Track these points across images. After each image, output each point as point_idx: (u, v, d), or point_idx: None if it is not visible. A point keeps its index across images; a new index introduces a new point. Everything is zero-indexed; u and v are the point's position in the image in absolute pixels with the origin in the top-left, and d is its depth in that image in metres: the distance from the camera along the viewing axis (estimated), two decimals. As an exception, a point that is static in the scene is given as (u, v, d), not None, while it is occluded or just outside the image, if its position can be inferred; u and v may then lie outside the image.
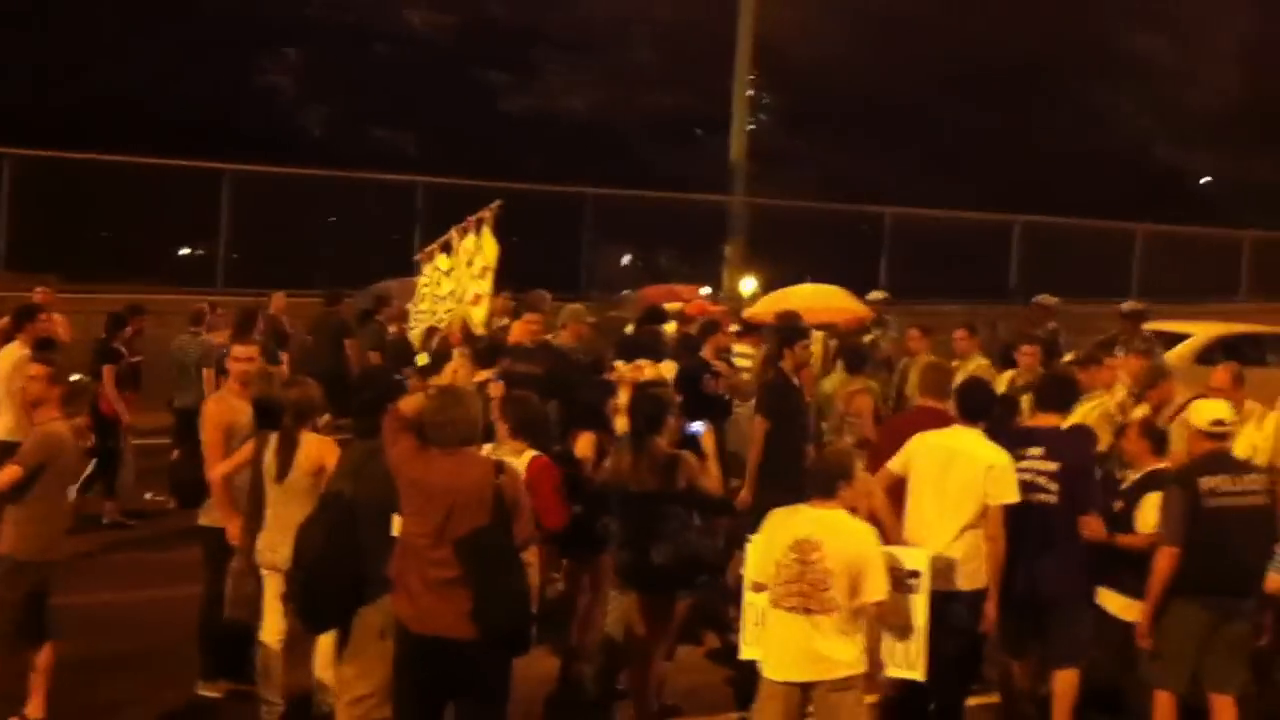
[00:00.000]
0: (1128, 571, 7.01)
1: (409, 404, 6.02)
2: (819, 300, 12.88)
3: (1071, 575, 7.14)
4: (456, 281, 7.75)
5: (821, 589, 5.90)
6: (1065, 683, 7.13)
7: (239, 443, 7.30)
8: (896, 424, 8.12)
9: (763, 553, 6.12)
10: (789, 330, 10.20)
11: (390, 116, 23.59)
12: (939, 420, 7.49)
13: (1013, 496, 6.81)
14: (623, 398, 8.19)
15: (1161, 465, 7.16)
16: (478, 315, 7.46)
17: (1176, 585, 6.76)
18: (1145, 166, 33.38)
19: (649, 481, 6.97)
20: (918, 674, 6.56)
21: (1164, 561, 6.73)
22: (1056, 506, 7.05)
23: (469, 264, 7.63)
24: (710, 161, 24.25)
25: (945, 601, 6.78)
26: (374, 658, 5.98)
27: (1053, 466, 7.08)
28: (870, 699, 6.49)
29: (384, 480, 5.89)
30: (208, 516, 7.47)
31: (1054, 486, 7.05)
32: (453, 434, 5.65)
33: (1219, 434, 6.94)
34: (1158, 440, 7.29)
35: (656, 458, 7.01)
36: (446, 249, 8.31)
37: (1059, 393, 7.59)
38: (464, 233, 7.80)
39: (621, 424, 7.75)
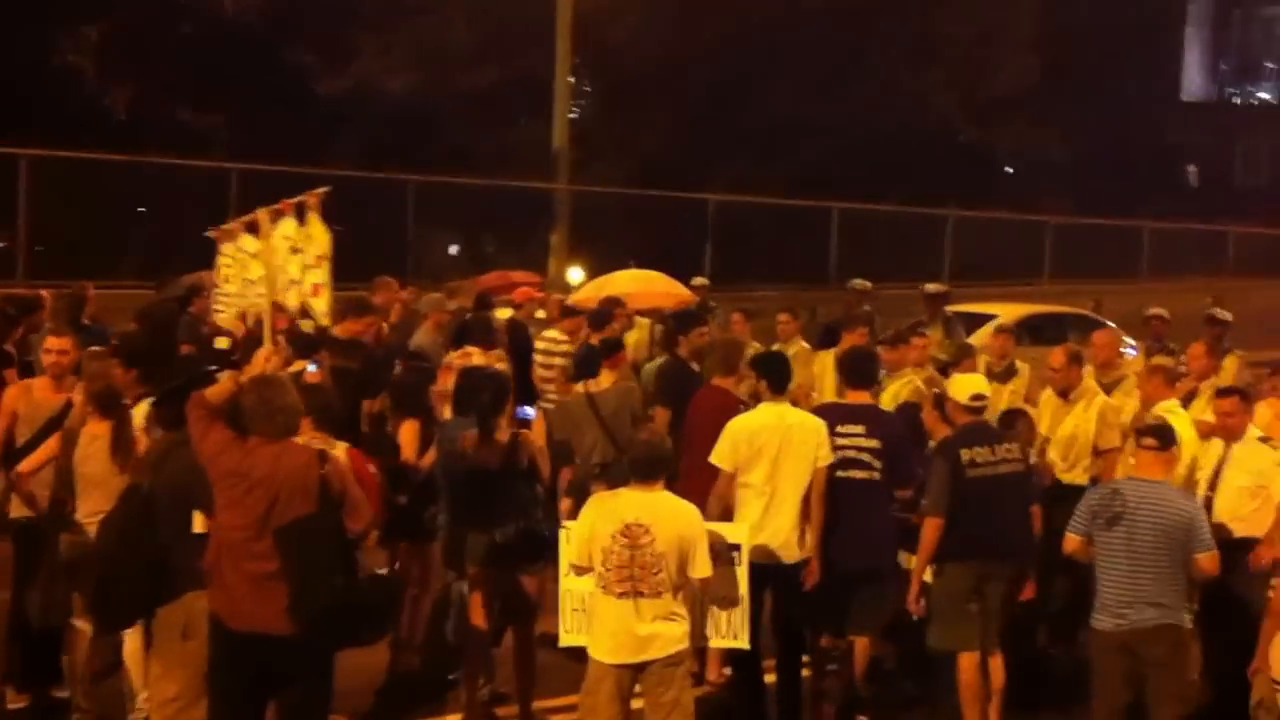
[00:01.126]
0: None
1: (215, 393, 5.93)
2: (642, 285, 13.09)
3: (886, 549, 7.59)
4: (268, 266, 7.60)
5: (653, 572, 6.03)
6: (861, 649, 7.58)
7: (30, 432, 7.20)
8: (695, 401, 8.28)
9: (586, 538, 6.16)
10: (686, 316, 10.56)
11: (200, 99, 22.91)
12: (724, 398, 7.79)
13: (831, 457, 7.16)
14: (447, 383, 8.26)
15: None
16: (320, 306, 7.32)
17: (947, 551, 7.17)
18: (953, 151, 34.57)
19: (492, 461, 7.06)
20: (743, 643, 6.83)
21: (929, 532, 7.14)
22: (878, 482, 7.41)
23: (294, 251, 7.48)
24: (533, 146, 24.25)
25: (793, 571, 7.12)
26: (176, 658, 5.89)
27: (874, 444, 7.41)
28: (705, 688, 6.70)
29: (186, 473, 5.81)
30: (17, 510, 7.26)
31: (877, 463, 7.40)
32: (278, 424, 5.60)
33: (978, 407, 7.38)
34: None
35: (499, 439, 7.11)
36: (252, 229, 8.11)
37: (865, 368, 7.98)
38: (276, 215, 7.63)
39: (447, 410, 7.83)
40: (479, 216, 25.40)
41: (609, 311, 10.88)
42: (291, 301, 7.45)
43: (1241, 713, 6.72)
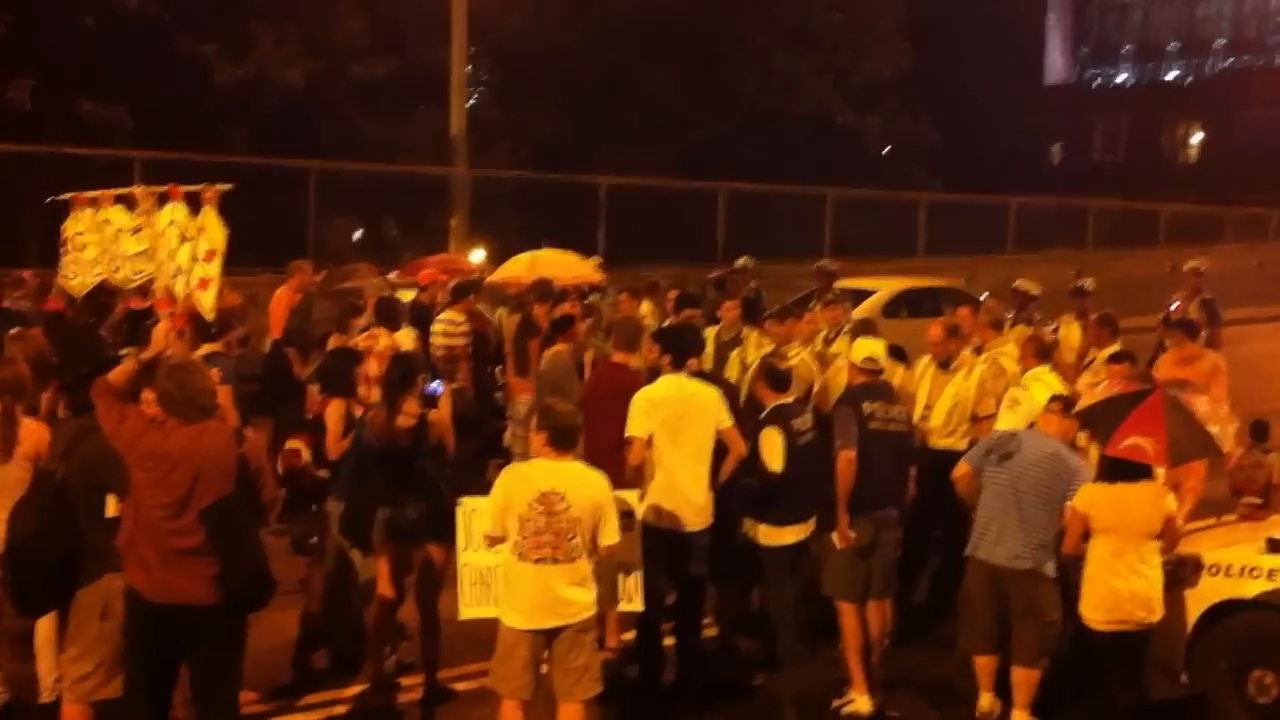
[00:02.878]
0: (775, 504, 7.63)
1: (118, 374, 5.94)
2: (560, 266, 13.23)
3: None
4: (150, 245, 7.50)
5: (568, 537, 6.08)
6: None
7: None
8: (595, 378, 8.52)
9: (501, 508, 6.17)
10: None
11: (101, 90, 22.41)
12: (622, 373, 7.93)
13: (731, 419, 7.35)
14: (373, 367, 8.32)
15: (783, 400, 7.78)
16: (207, 300, 7.22)
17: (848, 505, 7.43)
18: (829, 134, 35.04)
19: (401, 440, 7.11)
20: (638, 605, 6.99)
21: (845, 467, 7.39)
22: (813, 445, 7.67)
23: (183, 239, 7.36)
24: (429, 133, 24.12)
25: (700, 538, 7.28)
26: (94, 638, 5.89)
27: None
28: (605, 653, 6.81)
29: (97, 458, 5.80)
30: None
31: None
32: (195, 407, 5.59)
33: (872, 369, 7.74)
34: (776, 380, 7.85)
35: (407, 416, 7.13)
36: (126, 203, 7.99)
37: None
38: (163, 199, 7.54)
39: (374, 393, 7.90)
40: (380, 202, 25.21)
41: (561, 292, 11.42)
42: (178, 289, 7.34)
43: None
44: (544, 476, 6.16)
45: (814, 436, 7.70)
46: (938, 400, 8.93)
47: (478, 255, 19.43)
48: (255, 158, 17.32)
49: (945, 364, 9.02)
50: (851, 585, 7.51)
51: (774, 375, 7.84)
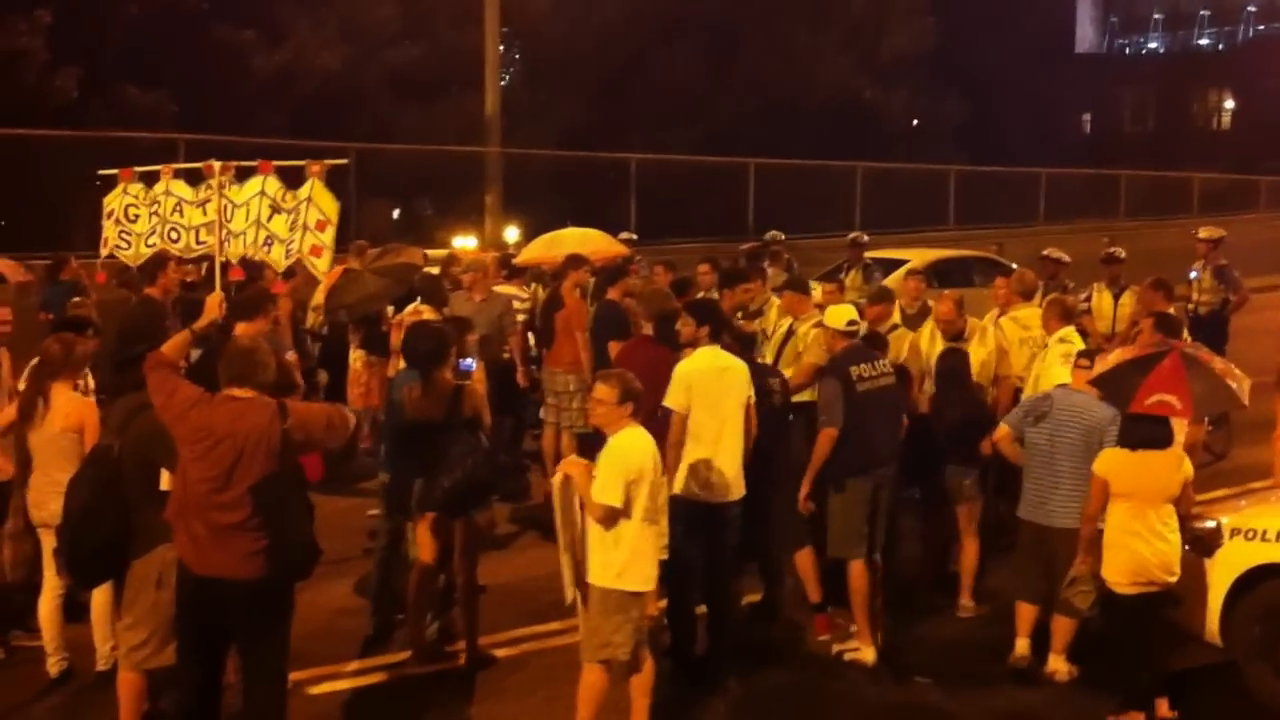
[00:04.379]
0: None
1: (171, 347, 5.98)
2: (585, 243, 13.24)
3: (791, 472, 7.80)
4: (215, 218, 7.72)
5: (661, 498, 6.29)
6: (806, 558, 7.85)
7: None
8: (625, 350, 8.49)
9: (634, 480, 6.06)
10: (611, 270, 11.16)
11: (145, 77, 22.62)
12: (652, 347, 7.93)
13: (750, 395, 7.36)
14: (397, 339, 8.38)
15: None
16: (321, 265, 7.63)
17: (847, 467, 7.51)
18: (857, 109, 34.84)
19: (435, 412, 7.15)
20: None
21: (824, 443, 7.49)
22: (780, 406, 7.76)
23: (275, 210, 7.61)
24: (462, 115, 24.17)
25: (734, 509, 7.26)
26: (148, 608, 5.94)
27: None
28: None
29: (151, 434, 5.81)
30: None
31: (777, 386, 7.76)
32: (252, 382, 5.58)
33: (852, 331, 7.80)
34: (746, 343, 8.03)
35: (442, 389, 7.19)
36: (186, 177, 8.17)
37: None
38: (240, 173, 7.78)
39: (399, 364, 7.96)
40: (415, 183, 25.29)
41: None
42: (274, 255, 7.60)
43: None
44: (647, 443, 6.20)
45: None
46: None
47: (512, 233, 19.51)
48: (294, 140, 17.40)
49: (956, 338, 8.92)
50: (850, 547, 7.59)
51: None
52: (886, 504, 7.76)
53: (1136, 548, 6.62)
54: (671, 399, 7.12)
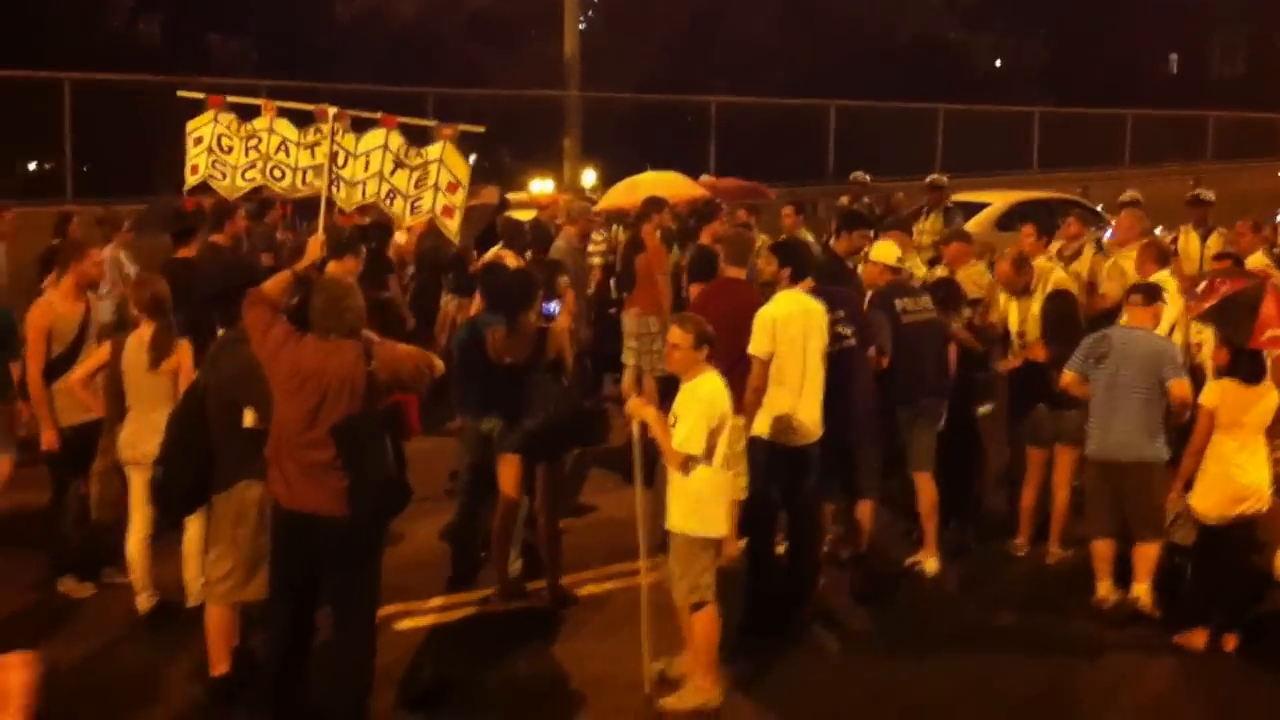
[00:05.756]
0: None
1: (273, 285, 5.98)
2: (663, 186, 13.10)
3: (872, 417, 7.77)
4: (324, 162, 7.75)
5: None
6: (866, 511, 7.85)
7: (66, 346, 7.30)
8: (705, 294, 8.29)
9: (716, 427, 6.02)
10: (703, 211, 11.09)
11: (227, 24, 22.76)
12: (739, 288, 7.81)
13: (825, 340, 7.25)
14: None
15: None
16: (452, 225, 7.68)
17: (894, 398, 7.82)
18: (938, 53, 34.10)
19: (519, 354, 7.13)
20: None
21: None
22: (855, 349, 7.60)
23: (398, 164, 7.61)
24: (540, 62, 24.06)
25: (813, 450, 7.16)
26: (230, 543, 6.00)
27: (840, 313, 7.59)
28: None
29: (237, 371, 5.87)
30: (68, 417, 7.36)
31: (849, 330, 7.60)
32: (346, 323, 5.61)
33: (897, 268, 8.12)
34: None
35: (527, 332, 7.16)
36: (296, 119, 8.15)
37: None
38: (357, 124, 7.73)
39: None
40: (493, 128, 25.21)
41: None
42: (396, 209, 7.70)
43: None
44: (724, 388, 6.13)
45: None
46: (1027, 319, 8.66)
47: (589, 177, 19.38)
48: (374, 85, 17.40)
49: (1022, 292, 8.73)
50: (931, 459, 8.01)
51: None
52: (933, 427, 8.04)
53: (1236, 477, 6.79)
54: (755, 345, 7.03)
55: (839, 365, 7.29)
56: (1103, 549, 7.44)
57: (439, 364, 5.92)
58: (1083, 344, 7.56)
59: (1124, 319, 7.75)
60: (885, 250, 8.23)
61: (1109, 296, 9.74)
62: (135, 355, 6.91)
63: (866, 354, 7.65)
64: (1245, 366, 6.90)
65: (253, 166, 8.00)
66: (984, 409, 8.64)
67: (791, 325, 7.05)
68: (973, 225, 14.42)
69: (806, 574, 7.42)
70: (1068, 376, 7.53)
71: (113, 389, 6.99)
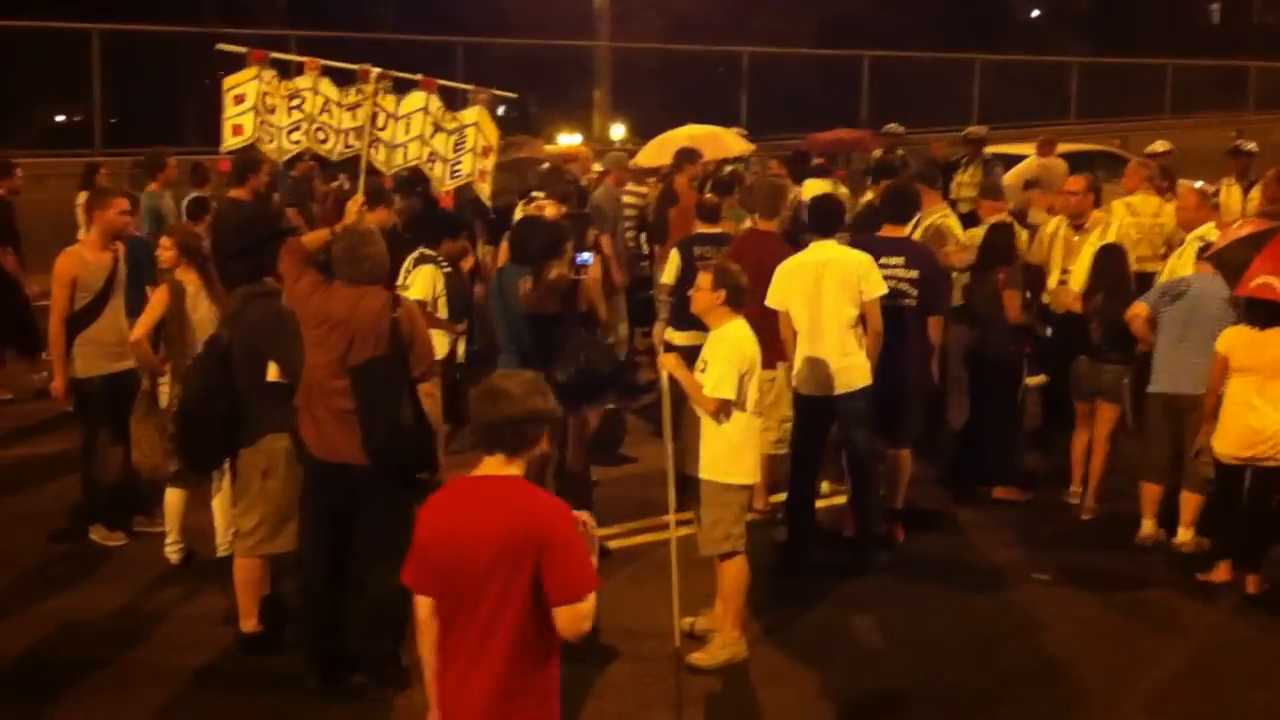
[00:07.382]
0: None
1: (312, 238, 6.02)
2: (705, 140, 13.01)
3: (921, 370, 7.75)
4: (364, 124, 7.74)
5: None
6: (905, 460, 7.82)
7: (93, 295, 7.28)
8: (735, 245, 8.31)
9: (747, 372, 5.99)
10: None
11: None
12: (769, 240, 7.77)
13: (884, 288, 7.15)
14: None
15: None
16: (486, 189, 7.81)
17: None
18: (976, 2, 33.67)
19: (549, 305, 7.12)
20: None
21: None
22: (914, 309, 7.54)
23: (437, 128, 7.73)
24: (569, 10, 23.81)
25: (845, 401, 7.13)
26: (256, 495, 6.01)
27: (913, 274, 7.50)
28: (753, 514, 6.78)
29: (259, 324, 5.89)
30: (105, 365, 7.38)
31: (914, 292, 7.50)
32: (365, 271, 5.62)
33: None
34: None
35: (555, 283, 7.13)
36: (338, 79, 8.07)
37: (903, 205, 8.04)
38: (399, 84, 7.80)
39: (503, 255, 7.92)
40: (522, 77, 25.05)
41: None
42: (437, 173, 7.78)
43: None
44: (752, 335, 6.08)
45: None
46: (1075, 263, 8.66)
47: (618, 130, 19.26)
48: (403, 34, 17.34)
49: (1079, 225, 8.81)
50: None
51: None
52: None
53: (1249, 420, 6.89)
54: (769, 298, 7.13)
55: (893, 319, 7.25)
56: (1152, 491, 7.70)
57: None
58: (1159, 285, 7.82)
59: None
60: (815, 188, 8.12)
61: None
62: (198, 300, 6.93)
63: (924, 317, 7.63)
64: (1259, 313, 6.90)
65: (297, 128, 7.92)
66: (1034, 380, 8.58)
67: (804, 276, 7.07)
68: (1009, 177, 14.26)
69: (867, 526, 7.45)
70: (1138, 308, 7.60)
71: (172, 338, 6.88)
